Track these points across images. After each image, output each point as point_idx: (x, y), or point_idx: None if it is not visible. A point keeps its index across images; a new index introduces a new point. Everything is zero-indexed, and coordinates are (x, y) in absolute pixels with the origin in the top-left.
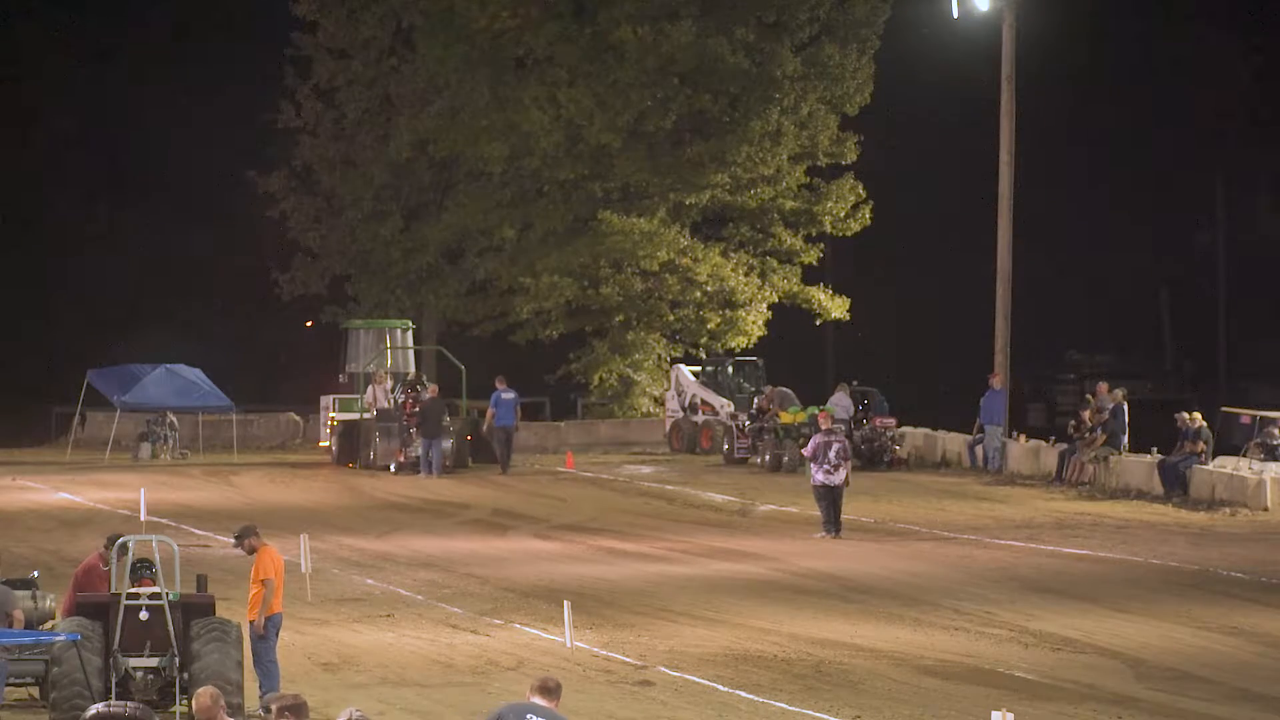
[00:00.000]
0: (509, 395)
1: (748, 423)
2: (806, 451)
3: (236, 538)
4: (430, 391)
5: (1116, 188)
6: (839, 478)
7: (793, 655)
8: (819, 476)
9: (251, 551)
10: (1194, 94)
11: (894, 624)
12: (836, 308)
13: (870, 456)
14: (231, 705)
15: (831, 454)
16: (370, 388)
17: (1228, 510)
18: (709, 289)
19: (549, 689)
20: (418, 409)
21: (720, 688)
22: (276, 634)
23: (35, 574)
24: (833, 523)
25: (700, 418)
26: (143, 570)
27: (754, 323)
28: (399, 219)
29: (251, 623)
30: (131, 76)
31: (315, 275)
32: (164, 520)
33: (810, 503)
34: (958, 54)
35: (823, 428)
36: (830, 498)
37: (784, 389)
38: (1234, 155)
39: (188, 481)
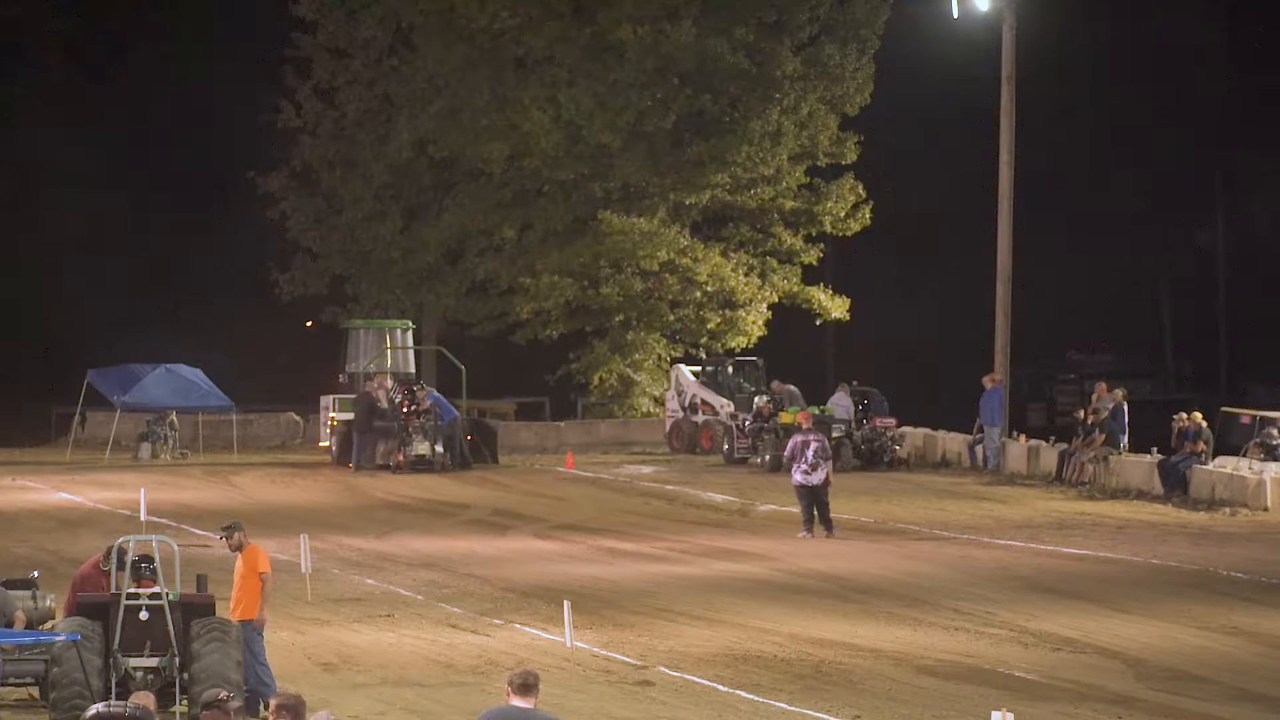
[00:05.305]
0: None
1: (748, 423)
2: (785, 452)
3: (226, 529)
4: (368, 388)
5: (1116, 188)
6: (817, 477)
7: (793, 655)
8: (797, 476)
9: (239, 547)
10: (1194, 94)
11: (894, 624)
12: (836, 308)
13: (870, 456)
14: (235, 707)
15: (809, 454)
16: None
17: (1228, 510)
18: (709, 289)
19: (528, 685)
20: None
21: (720, 688)
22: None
23: (35, 574)
24: (823, 523)
25: (700, 418)
26: (143, 570)
27: (754, 323)
28: (399, 219)
29: (251, 620)
30: (131, 76)
31: (315, 275)
32: (164, 520)
33: None
34: (958, 54)
35: (803, 428)
36: (811, 497)
37: (792, 387)
38: (1234, 155)
39: (188, 481)
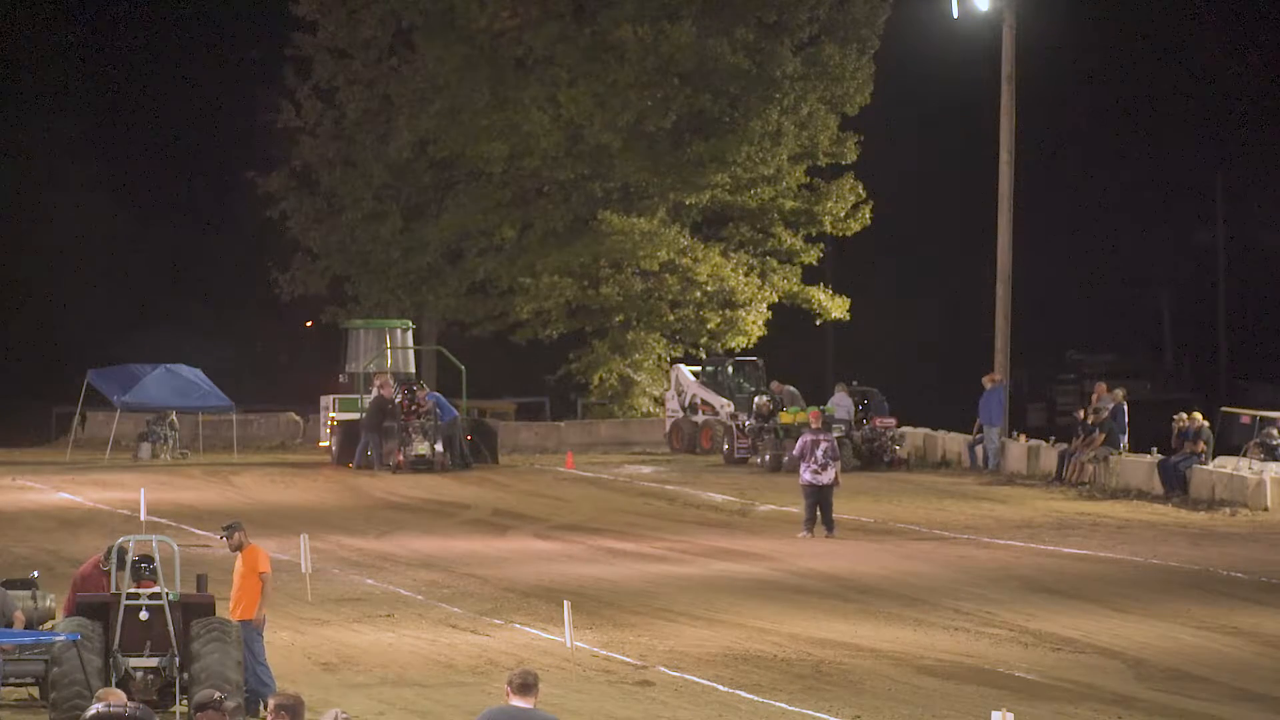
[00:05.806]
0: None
1: (748, 423)
2: (794, 451)
3: (226, 529)
4: (382, 390)
5: (1116, 188)
6: (826, 477)
7: (793, 655)
8: (806, 475)
9: (239, 547)
10: (1194, 94)
11: (894, 624)
12: (836, 308)
13: (870, 456)
14: (231, 707)
15: (819, 453)
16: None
17: (1228, 510)
18: (709, 289)
19: (528, 685)
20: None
21: (720, 688)
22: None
23: (35, 574)
24: (825, 522)
25: (700, 418)
26: (143, 570)
27: (754, 323)
28: (399, 219)
29: (251, 620)
30: (131, 76)
31: (315, 275)
32: (164, 520)
33: None
34: (958, 54)
35: (812, 427)
36: (818, 497)
37: (791, 388)
38: (1234, 155)
39: (188, 481)
